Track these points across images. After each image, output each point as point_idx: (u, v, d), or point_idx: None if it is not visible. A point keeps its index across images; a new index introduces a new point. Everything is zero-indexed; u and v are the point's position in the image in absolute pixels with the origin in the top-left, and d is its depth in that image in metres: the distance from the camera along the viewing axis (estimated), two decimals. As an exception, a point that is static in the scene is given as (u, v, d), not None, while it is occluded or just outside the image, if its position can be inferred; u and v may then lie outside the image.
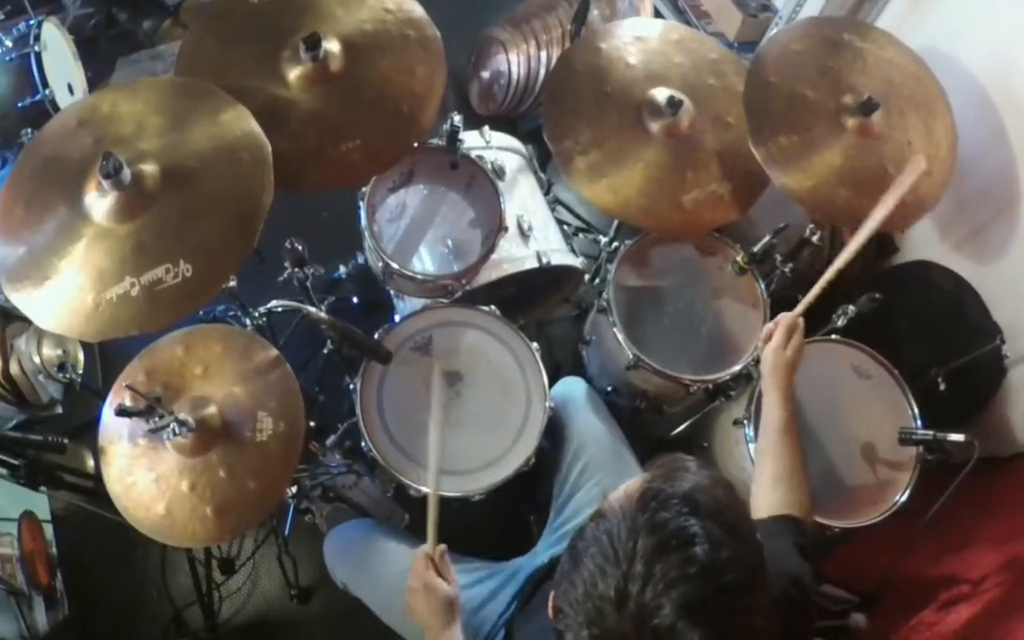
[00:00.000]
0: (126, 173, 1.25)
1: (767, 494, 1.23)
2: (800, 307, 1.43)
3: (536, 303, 2.15)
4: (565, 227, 2.05)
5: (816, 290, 1.43)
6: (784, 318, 1.39)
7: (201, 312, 1.99)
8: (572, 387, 1.72)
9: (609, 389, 1.90)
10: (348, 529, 1.65)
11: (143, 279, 1.22)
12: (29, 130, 1.82)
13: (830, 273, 1.42)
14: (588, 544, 0.77)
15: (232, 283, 1.49)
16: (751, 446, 1.59)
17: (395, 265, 1.68)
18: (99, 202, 1.27)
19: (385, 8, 1.64)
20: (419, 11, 1.67)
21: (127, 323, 1.21)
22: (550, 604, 0.83)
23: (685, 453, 1.73)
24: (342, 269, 2.28)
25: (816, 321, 1.72)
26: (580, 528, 0.81)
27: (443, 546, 1.25)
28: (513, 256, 1.77)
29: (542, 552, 1.51)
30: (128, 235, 1.25)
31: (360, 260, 2.21)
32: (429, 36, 1.63)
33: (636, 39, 1.79)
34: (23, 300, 1.23)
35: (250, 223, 1.26)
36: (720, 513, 0.75)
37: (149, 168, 1.30)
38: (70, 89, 2.22)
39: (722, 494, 0.77)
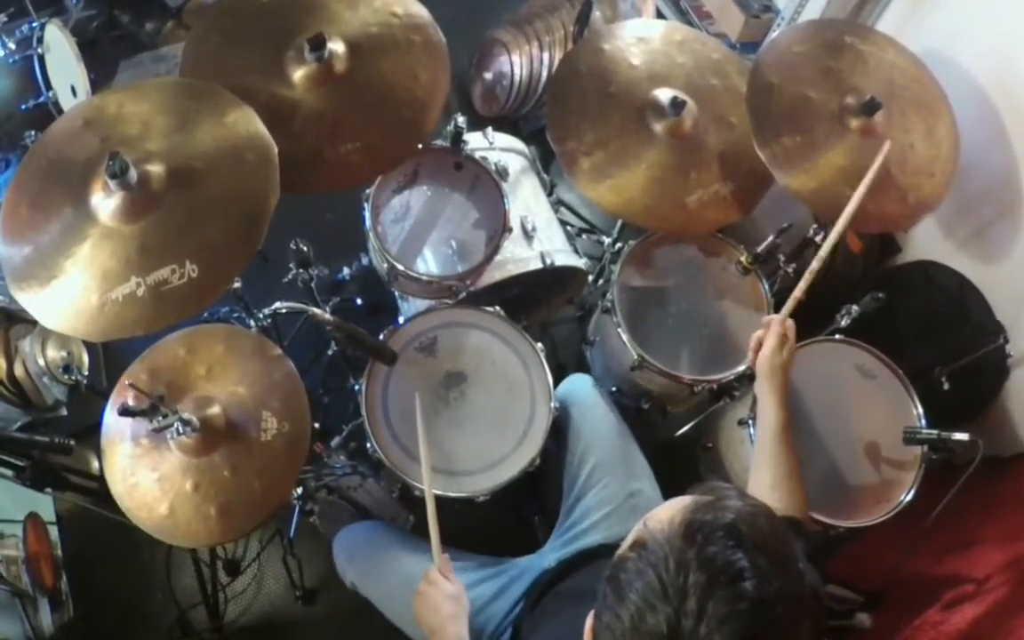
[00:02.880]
0: (132, 173, 1.25)
1: (767, 497, 1.22)
2: (787, 308, 1.42)
3: (540, 304, 2.15)
4: (569, 228, 2.05)
5: (801, 287, 1.43)
6: (774, 321, 1.39)
7: (206, 314, 1.99)
8: (579, 384, 1.72)
9: (613, 389, 1.90)
10: (358, 530, 1.66)
11: (149, 279, 1.22)
12: (32, 132, 1.82)
13: (814, 265, 1.42)
14: (632, 576, 0.75)
15: (237, 284, 1.49)
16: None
17: (399, 266, 1.68)
18: (105, 202, 1.27)
19: (392, 12, 1.64)
20: (425, 16, 1.66)
21: (132, 323, 1.20)
22: (588, 632, 0.82)
23: (688, 452, 1.74)
24: (346, 270, 2.29)
25: (820, 321, 1.72)
26: (619, 558, 0.79)
27: (446, 555, 1.27)
28: (517, 257, 1.78)
29: (549, 554, 1.51)
30: (134, 235, 1.25)
31: (364, 261, 2.21)
32: (435, 42, 1.63)
33: (639, 40, 1.79)
34: (29, 300, 1.23)
35: (256, 224, 1.26)
36: (766, 544, 0.74)
37: (155, 168, 1.30)
38: (73, 91, 2.22)
39: (765, 524, 0.76)
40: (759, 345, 1.39)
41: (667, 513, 0.78)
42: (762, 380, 1.35)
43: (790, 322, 1.39)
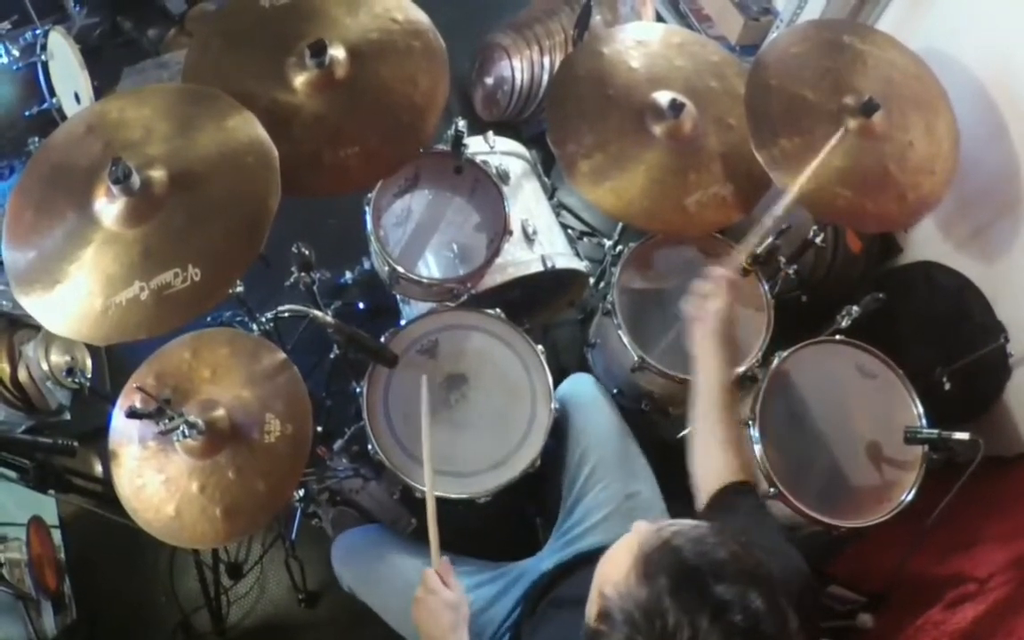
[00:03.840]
0: (135, 179, 1.26)
1: (718, 459, 1.20)
2: (733, 259, 1.43)
3: (541, 307, 2.16)
4: (569, 231, 2.06)
5: (751, 244, 1.46)
6: (717, 272, 1.35)
7: (208, 318, 2.00)
8: (579, 384, 1.72)
9: (615, 391, 1.90)
10: (356, 534, 1.66)
11: (152, 283, 1.22)
12: (36, 139, 1.83)
13: (767, 222, 1.45)
14: None
15: (239, 288, 1.50)
16: (757, 448, 1.59)
17: (401, 269, 1.69)
18: (108, 207, 1.28)
19: (392, 18, 1.65)
20: (426, 22, 1.67)
21: (136, 327, 1.21)
22: None
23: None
24: (348, 274, 2.29)
25: (820, 322, 1.72)
26: (592, 632, 0.79)
27: (446, 558, 1.25)
28: (518, 260, 1.79)
29: (548, 556, 1.50)
30: (137, 240, 1.26)
31: (366, 265, 2.21)
32: (434, 48, 1.64)
33: (638, 43, 1.80)
34: (33, 304, 1.24)
35: (257, 227, 1.27)
36: (736, 566, 0.75)
37: (157, 173, 1.31)
38: (76, 98, 2.23)
39: (721, 545, 0.77)
40: (705, 296, 1.34)
41: (617, 573, 0.78)
42: (716, 331, 1.30)
43: (720, 270, 1.36)
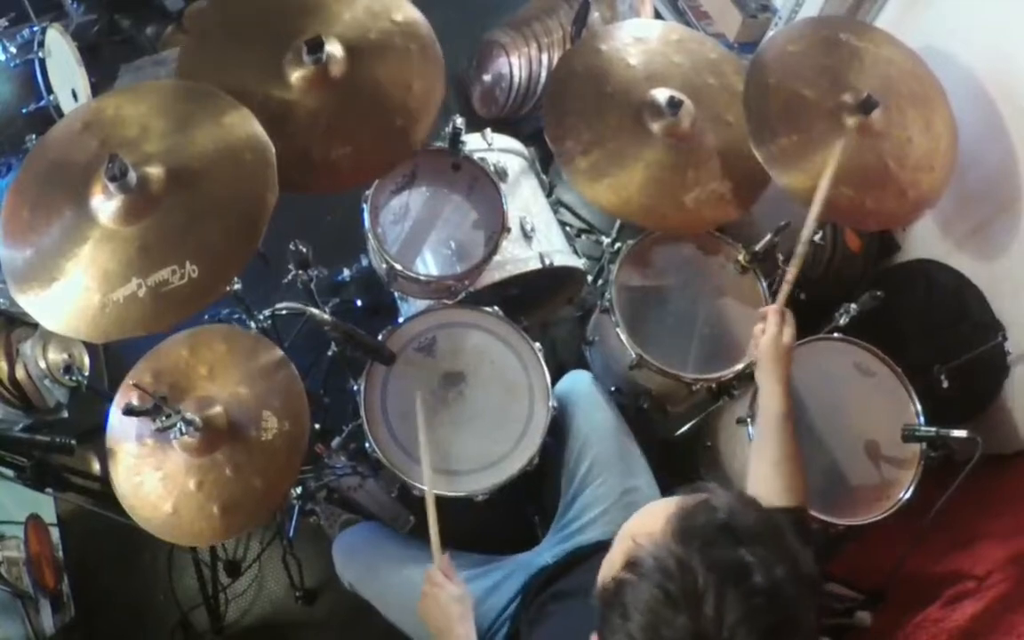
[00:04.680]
0: (132, 176, 1.26)
1: (769, 481, 1.23)
2: (781, 296, 1.43)
3: (539, 304, 2.16)
4: (567, 228, 2.06)
5: (791, 275, 1.44)
6: (772, 309, 1.39)
7: (206, 315, 2.00)
8: (577, 381, 1.72)
9: (613, 389, 1.90)
10: (357, 531, 1.67)
11: (150, 280, 1.22)
12: (33, 136, 1.83)
13: (800, 250, 1.43)
14: (637, 595, 0.74)
15: (237, 286, 1.50)
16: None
17: (399, 267, 1.69)
18: (105, 205, 1.28)
19: (392, 19, 1.64)
20: (425, 27, 1.66)
21: (134, 324, 1.21)
22: None
23: (688, 451, 1.74)
24: (346, 272, 2.29)
25: (818, 320, 1.72)
26: (615, 581, 0.77)
27: (446, 554, 1.27)
28: (516, 257, 1.79)
29: (546, 550, 1.51)
30: (134, 237, 1.26)
31: (364, 262, 2.21)
32: (431, 53, 1.63)
33: (636, 40, 1.80)
34: (31, 302, 1.24)
35: (255, 223, 1.26)
36: (761, 533, 0.74)
37: (154, 170, 1.30)
38: (74, 95, 2.23)
39: (753, 514, 0.77)
40: (761, 335, 1.39)
41: (653, 524, 0.77)
42: (764, 367, 1.35)
43: (787, 310, 1.39)
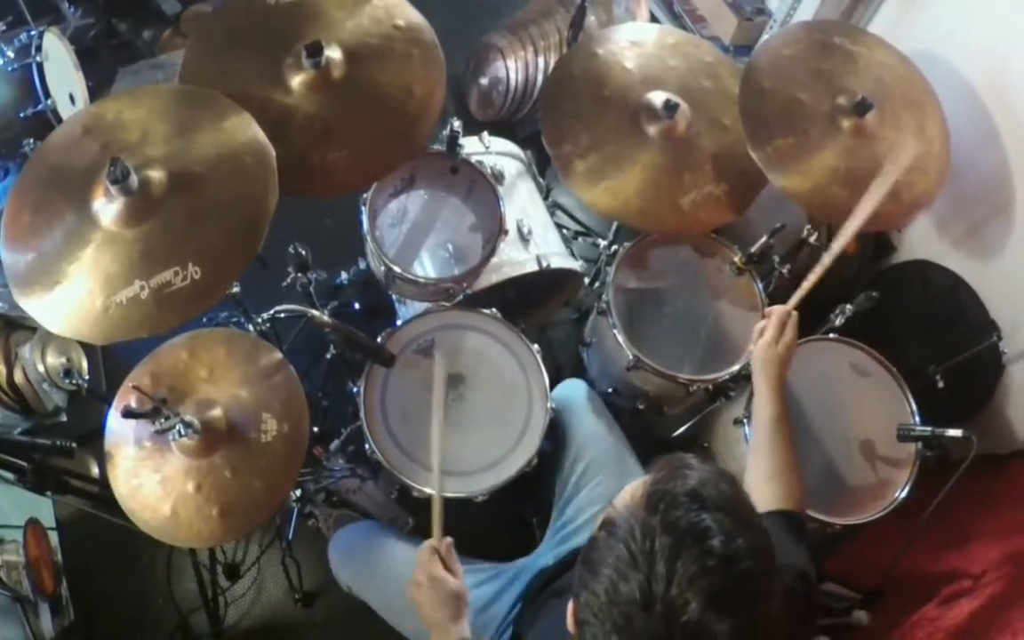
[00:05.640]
0: (133, 179, 1.27)
1: (762, 490, 1.23)
2: (793, 300, 1.44)
3: (537, 306, 2.16)
4: (564, 231, 2.07)
5: (810, 282, 1.45)
6: (776, 311, 1.39)
7: (205, 319, 2.00)
8: (573, 390, 1.73)
9: (610, 390, 1.91)
10: (353, 531, 1.66)
11: (152, 282, 1.23)
12: (31, 140, 1.83)
13: (826, 260, 1.43)
14: (603, 552, 0.76)
15: (236, 289, 1.50)
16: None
17: (397, 269, 1.69)
18: (107, 208, 1.28)
19: (395, 25, 1.64)
20: (428, 32, 1.66)
21: (136, 325, 1.22)
22: (569, 616, 0.83)
23: (685, 452, 1.74)
24: (344, 275, 2.30)
25: (814, 320, 1.73)
26: (591, 538, 0.81)
27: (449, 539, 1.22)
28: (513, 260, 1.79)
29: (545, 553, 1.52)
30: (136, 239, 1.27)
31: (362, 265, 2.22)
32: (433, 58, 1.63)
33: (632, 44, 1.81)
34: (34, 305, 1.25)
35: (256, 226, 1.27)
36: (728, 505, 0.76)
37: (156, 174, 1.31)
38: (71, 99, 2.23)
39: (727, 487, 0.78)
40: (759, 336, 1.39)
41: (630, 490, 0.80)
42: (757, 370, 1.36)
43: (794, 314, 1.39)
